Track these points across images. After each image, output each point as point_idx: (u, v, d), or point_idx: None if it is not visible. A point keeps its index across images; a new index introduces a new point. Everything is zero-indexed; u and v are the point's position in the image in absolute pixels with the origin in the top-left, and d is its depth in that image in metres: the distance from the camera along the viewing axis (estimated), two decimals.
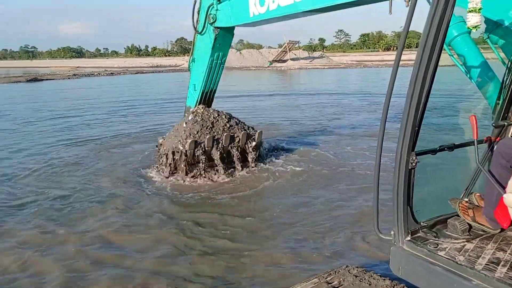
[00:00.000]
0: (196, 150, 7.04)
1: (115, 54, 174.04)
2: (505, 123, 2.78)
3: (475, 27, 2.05)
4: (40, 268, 4.37)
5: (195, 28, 7.31)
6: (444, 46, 2.82)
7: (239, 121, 7.90)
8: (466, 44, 4.01)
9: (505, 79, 2.95)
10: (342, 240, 4.84)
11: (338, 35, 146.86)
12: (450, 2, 1.88)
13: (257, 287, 3.94)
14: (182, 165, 7.19)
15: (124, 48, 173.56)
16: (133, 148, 9.85)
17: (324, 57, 68.86)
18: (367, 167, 7.67)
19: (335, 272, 3.34)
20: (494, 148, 2.61)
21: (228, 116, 7.72)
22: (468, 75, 4.07)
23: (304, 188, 6.80)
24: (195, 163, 7.26)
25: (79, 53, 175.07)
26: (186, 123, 7.39)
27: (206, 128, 7.30)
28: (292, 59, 62.24)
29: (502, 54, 3.87)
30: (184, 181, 7.17)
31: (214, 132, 7.30)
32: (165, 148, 7.37)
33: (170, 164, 7.31)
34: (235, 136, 7.49)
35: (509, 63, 3.01)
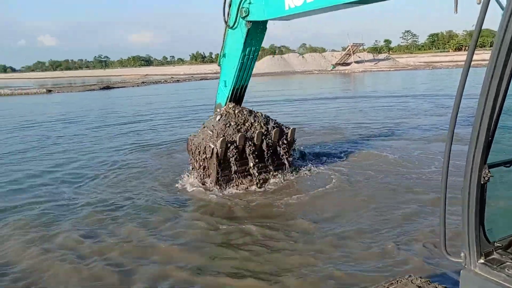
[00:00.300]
0: (227, 150, 6.75)
1: (180, 61, 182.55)
2: None
3: None
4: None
5: (226, 23, 6.97)
6: None
7: (270, 118, 7.62)
8: None
9: None
10: (406, 248, 4.67)
11: (405, 36, 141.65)
12: None
13: None
14: (214, 166, 6.85)
15: (189, 55, 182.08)
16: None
17: (389, 59, 66.51)
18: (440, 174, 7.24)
19: (397, 281, 3.21)
20: None
21: (260, 115, 7.47)
22: None
23: (369, 194, 6.63)
24: (226, 165, 6.94)
25: (147, 62, 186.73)
26: (218, 121, 7.11)
27: (237, 126, 7.05)
28: (356, 62, 60.94)
29: None
30: (235, 187, 7.01)
31: (245, 131, 7.03)
32: (195, 145, 7.12)
33: (202, 166, 7.07)
34: (268, 132, 7.20)
35: None
